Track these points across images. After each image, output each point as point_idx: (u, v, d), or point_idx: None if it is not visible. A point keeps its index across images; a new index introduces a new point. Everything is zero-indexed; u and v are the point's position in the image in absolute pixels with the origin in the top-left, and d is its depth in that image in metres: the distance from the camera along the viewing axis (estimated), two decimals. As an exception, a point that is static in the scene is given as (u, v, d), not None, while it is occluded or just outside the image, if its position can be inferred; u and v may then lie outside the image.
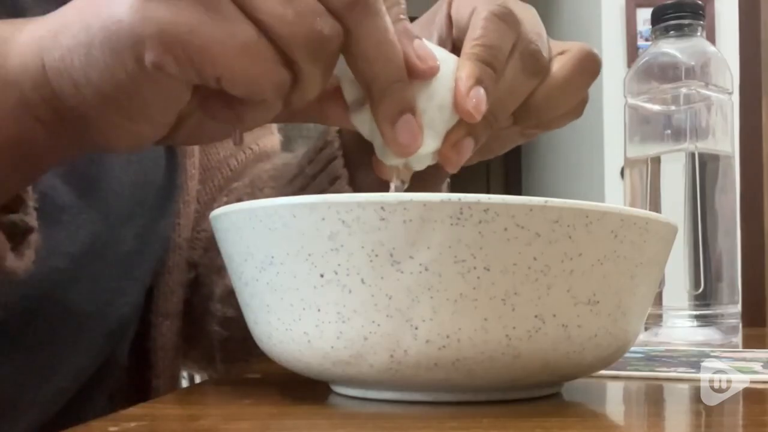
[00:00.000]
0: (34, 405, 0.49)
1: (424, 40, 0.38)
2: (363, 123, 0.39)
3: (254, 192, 0.63)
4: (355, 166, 0.53)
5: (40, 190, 0.45)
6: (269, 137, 0.69)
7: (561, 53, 0.42)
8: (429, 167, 0.40)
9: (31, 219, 0.40)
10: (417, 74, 0.37)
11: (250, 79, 0.33)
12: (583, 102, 0.45)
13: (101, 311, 0.51)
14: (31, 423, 0.48)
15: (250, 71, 0.33)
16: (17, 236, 0.39)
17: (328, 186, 0.54)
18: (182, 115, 0.37)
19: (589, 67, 0.42)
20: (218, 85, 0.33)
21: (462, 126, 0.39)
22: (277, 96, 0.34)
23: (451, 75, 0.39)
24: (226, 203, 0.60)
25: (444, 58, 0.39)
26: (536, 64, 0.41)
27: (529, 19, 0.41)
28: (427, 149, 0.38)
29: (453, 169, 0.40)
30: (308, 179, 0.55)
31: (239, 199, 0.62)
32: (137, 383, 0.60)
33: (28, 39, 0.36)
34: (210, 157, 0.64)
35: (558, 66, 0.42)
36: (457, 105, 0.38)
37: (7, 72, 0.36)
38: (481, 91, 0.38)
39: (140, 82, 0.34)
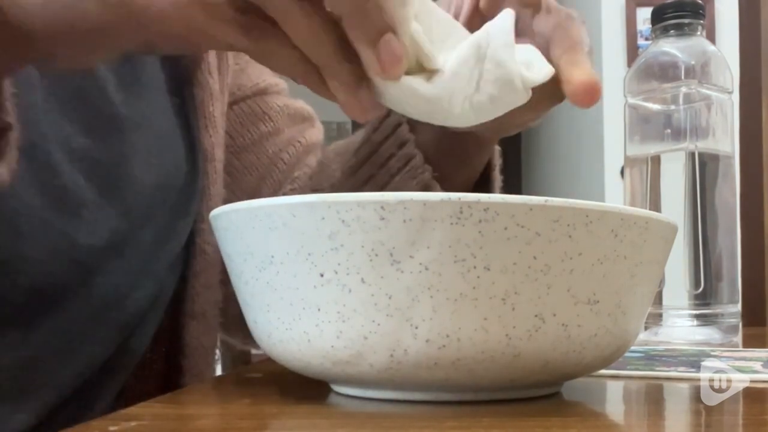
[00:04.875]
0: (47, 387, 0.50)
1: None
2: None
3: (323, 169, 0.66)
4: (417, 131, 0.57)
5: (63, 184, 0.47)
6: (313, 130, 0.71)
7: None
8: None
9: (8, 116, 0.39)
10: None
11: None
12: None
13: (118, 303, 0.53)
14: (44, 405, 0.50)
15: None
16: None
17: (397, 150, 0.57)
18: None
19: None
20: None
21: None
22: None
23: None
24: (291, 192, 0.64)
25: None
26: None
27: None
28: None
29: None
30: (375, 146, 0.58)
31: (307, 181, 0.66)
32: (169, 384, 0.60)
33: None
34: (260, 156, 0.66)
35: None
36: None
37: None
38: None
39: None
